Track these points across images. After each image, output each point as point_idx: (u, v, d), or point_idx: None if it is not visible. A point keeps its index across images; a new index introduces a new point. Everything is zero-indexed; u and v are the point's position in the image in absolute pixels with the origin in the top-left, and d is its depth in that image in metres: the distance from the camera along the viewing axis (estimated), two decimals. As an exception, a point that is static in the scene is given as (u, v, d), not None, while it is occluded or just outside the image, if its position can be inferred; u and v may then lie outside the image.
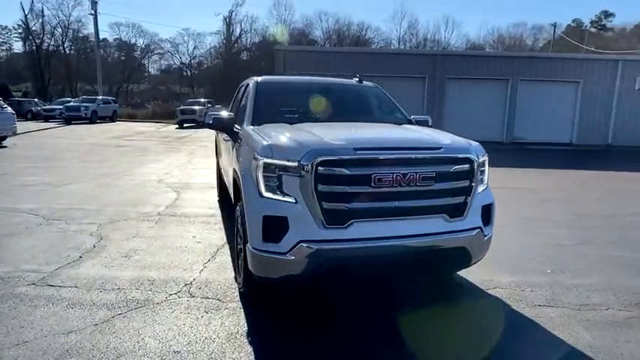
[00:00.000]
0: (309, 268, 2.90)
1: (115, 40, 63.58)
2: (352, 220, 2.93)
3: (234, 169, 3.82)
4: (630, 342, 3.04)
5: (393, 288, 3.88)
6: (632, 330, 3.21)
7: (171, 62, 65.37)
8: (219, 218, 6.11)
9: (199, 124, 26.89)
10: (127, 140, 18.05)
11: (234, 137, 4.16)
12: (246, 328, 3.11)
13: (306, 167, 2.86)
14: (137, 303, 3.46)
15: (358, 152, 2.92)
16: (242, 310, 3.38)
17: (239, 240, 3.77)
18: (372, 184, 2.90)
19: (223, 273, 4.13)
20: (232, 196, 4.08)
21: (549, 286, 3.93)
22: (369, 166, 2.91)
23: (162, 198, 7.32)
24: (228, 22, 59.99)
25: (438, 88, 19.07)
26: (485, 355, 2.85)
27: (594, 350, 2.92)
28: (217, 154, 6.79)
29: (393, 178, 2.92)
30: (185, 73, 64.83)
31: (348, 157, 2.90)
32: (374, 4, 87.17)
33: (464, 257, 3.25)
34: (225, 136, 4.94)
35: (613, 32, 58.69)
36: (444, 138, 3.33)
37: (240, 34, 61.36)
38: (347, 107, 4.65)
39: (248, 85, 4.97)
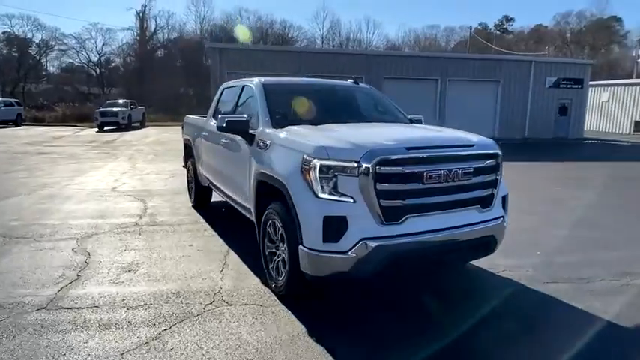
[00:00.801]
0: (370, 264, 3.01)
1: (4, 33, 56.66)
2: (406, 216, 3.09)
3: (261, 172, 3.76)
4: (632, 305, 3.57)
5: (417, 280, 4.11)
6: (627, 294, 3.76)
7: (76, 60, 59.92)
8: (206, 225, 5.91)
9: (122, 127, 25.24)
10: (47, 147, 16.43)
11: (251, 140, 4.10)
12: (304, 329, 3.13)
13: (365, 167, 2.96)
14: (176, 317, 3.31)
15: (411, 151, 3.08)
16: (290, 312, 3.38)
17: (269, 244, 3.76)
18: (424, 181, 3.09)
19: (247, 279, 4.06)
20: (253, 201, 4.01)
21: (546, 265, 4.41)
22: (421, 164, 3.09)
23: (130, 207, 6.88)
24: (142, 17, 56.59)
25: (375, 88, 19.81)
26: (530, 326, 3.18)
27: (609, 314, 3.40)
28: (194, 158, 6.53)
29: (441, 174, 3.13)
30: (93, 72, 59.90)
31: (403, 156, 3.05)
32: (295, 2, 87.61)
33: (492, 244, 3.56)
34: (225, 139, 4.81)
35: (513, 35, 65.05)
36: (471, 136, 3.61)
37: (155, 31, 58.16)
38: (356, 108, 4.80)
39: (246, 86, 4.90)
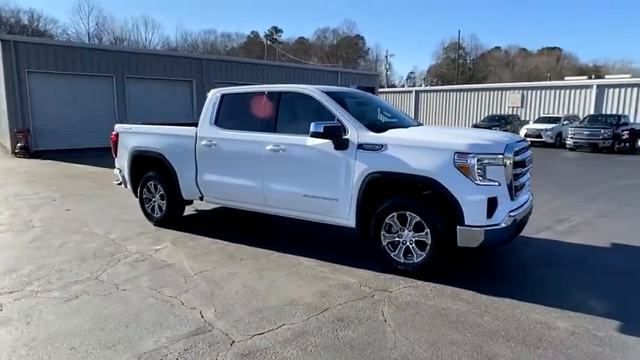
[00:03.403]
0: (510, 231, 3.99)
1: None
2: (517, 193, 4.19)
3: (379, 171, 4.17)
4: (588, 234, 5.60)
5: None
6: (580, 230, 5.82)
7: None
8: (215, 240, 5.52)
9: None
10: None
11: (343, 145, 4.40)
12: (473, 292, 3.86)
13: (508, 157, 3.92)
14: (371, 312, 3.53)
15: (518, 144, 4.19)
16: (444, 284, 4.01)
17: (388, 235, 4.27)
18: (525, 165, 4.26)
19: (356, 271, 4.38)
20: (357, 200, 4.33)
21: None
22: (524, 154, 4.24)
23: (87, 239, 5.69)
24: None
25: (206, 91, 19.58)
26: (556, 254, 4.77)
27: (585, 240, 5.31)
28: (173, 171, 5.87)
29: (527, 160, 4.36)
30: None
31: (518, 147, 4.14)
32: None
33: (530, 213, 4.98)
34: (277, 146, 4.82)
35: (282, 44, 71.72)
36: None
37: None
38: (392, 112, 5.52)
39: (289, 94, 5.08)
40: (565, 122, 19.74)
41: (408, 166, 4.07)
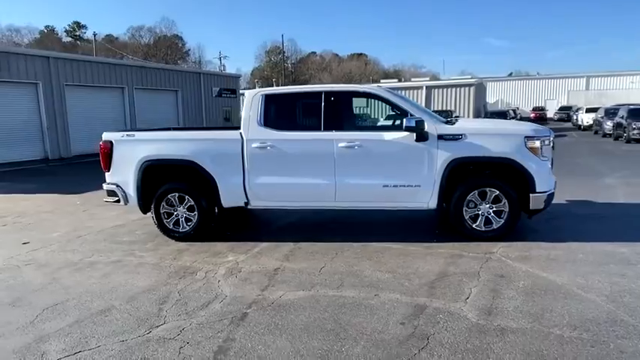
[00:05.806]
0: (554, 196, 5.31)
1: None
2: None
3: (461, 157, 4.96)
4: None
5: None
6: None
7: None
8: (284, 243, 5.49)
9: None
10: None
11: (424, 137, 5.05)
12: (554, 243, 5.04)
13: (553, 139, 5.22)
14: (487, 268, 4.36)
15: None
16: (525, 241, 5.09)
17: (469, 210, 5.17)
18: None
19: (440, 246, 5.12)
20: (440, 183, 5.04)
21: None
22: (548, 136, 5.65)
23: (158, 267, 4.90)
24: None
25: (57, 96, 16.58)
26: (554, 214, 6.43)
27: (562, 199, 7.13)
28: (212, 178, 5.45)
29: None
30: None
31: (551, 131, 5.51)
32: None
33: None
34: (353, 143, 5.14)
35: (87, 42, 63.30)
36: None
37: None
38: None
39: (357, 92, 5.51)
40: (408, 118, 23.55)
41: (490, 150, 5.00)
